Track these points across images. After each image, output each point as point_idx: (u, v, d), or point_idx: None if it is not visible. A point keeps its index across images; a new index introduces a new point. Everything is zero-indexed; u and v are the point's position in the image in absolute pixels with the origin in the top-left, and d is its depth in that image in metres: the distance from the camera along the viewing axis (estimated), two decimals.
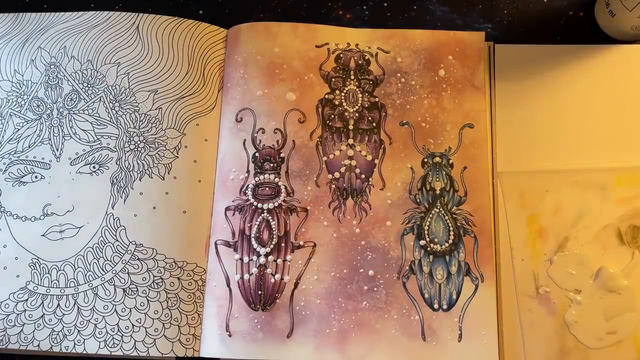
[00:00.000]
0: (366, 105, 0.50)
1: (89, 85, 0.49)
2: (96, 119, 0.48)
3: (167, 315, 0.45)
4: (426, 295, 0.47)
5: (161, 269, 0.46)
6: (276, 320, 0.45)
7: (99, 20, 0.51)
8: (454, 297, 0.47)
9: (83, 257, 0.45)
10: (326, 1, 0.54)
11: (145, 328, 0.45)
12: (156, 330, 0.45)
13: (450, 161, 0.49)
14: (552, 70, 0.49)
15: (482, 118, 0.50)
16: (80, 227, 0.46)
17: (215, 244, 0.47)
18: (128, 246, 0.46)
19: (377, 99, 0.51)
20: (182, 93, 0.50)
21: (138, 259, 0.46)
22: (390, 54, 0.51)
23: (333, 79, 0.51)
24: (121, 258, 0.45)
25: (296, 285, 0.46)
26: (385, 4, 0.53)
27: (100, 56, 0.50)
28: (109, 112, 0.48)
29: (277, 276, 0.46)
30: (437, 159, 0.49)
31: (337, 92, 0.51)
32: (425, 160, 0.49)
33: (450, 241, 0.48)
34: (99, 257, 0.45)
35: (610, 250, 0.46)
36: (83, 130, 0.48)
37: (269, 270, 0.46)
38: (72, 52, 0.50)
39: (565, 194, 0.47)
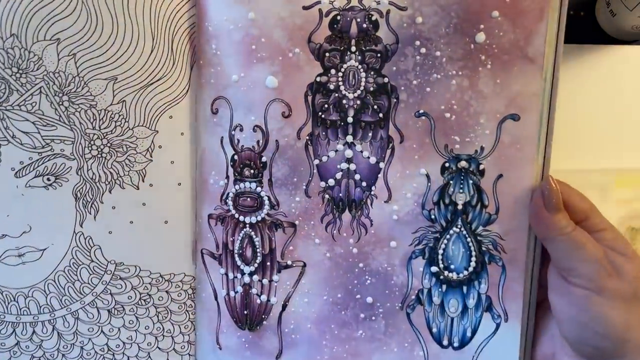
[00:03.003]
0: (371, 89, 0.38)
1: (20, 72, 0.39)
2: (40, 118, 0.40)
3: (159, 328, 0.43)
4: (434, 330, 0.40)
5: (147, 285, 0.43)
6: (264, 342, 0.42)
7: None
8: (469, 334, 0.39)
9: (54, 281, 0.42)
10: None
11: (138, 344, 0.43)
12: (149, 344, 0.43)
13: (481, 167, 0.37)
14: None
15: (533, 106, 0.36)
16: (44, 250, 0.41)
17: (202, 253, 0.42)
18: (107, 266, 0.42)
19: (386, 80, 0.38)
20: (148, 79, 0.40)
21: (120, 279, 0.43)
22: (408, 12, 0.37)
23: (327, 54, 0.38)
24: (100, 279, 0.42)
25: (284, 307, 0.41)
26: None
27: (29, 29, 0.38)
28: (56, 109, 0.40)
29: (263, 297, 0.41)
30: (463, 164, 0.38)
31: (333, 71, 0.38)
32: (447, 165, 0.38)
33: (471, 269, 0.38)
34: (73, 280, 0.42)
35: None
36: (24, 132, 0.40)
37: (254, 291, 0.41)
38: None
39: None
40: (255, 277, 0.41)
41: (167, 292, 0.43)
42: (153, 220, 0.42)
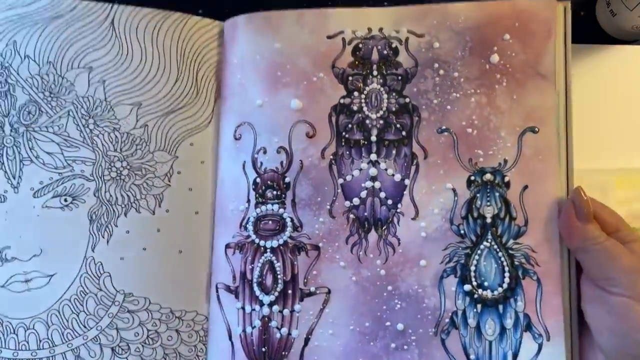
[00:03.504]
0: (393, 109, 0.39)
1: (52, 95, 0.40)
2: (65, 139, 0.40)
3: None
4: (472, 356, 0.37)
5: (156, 321, 0.39)
6: None
7: (62, 9, 0.41)
8: (510, 358, 0.36)
9: (58, 311, 0.39)
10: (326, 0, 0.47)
11: None
12: None
13: (506, 179, 0.38)
14: None
15: (550, 118, 0.38)
16: (52, 275, 0.39)
17: (217, 288, 0.40)
18: (115, 296, 0.39)
19: (407, 100, 0.39)
20: (171, 106, 0.41)
21: (128, 312, 0.39)
22: (425, 38, 0.39)
23: (350, 78, 0.40)
24: (107, 311, 0.39)
25: (307, 341, 0.38)
26: (385, 3, 0.46)
27: (65, 58, 0.41)
28: (81, 131, 0.40)
29: (284, 330, 0.38)
30: (489, 177, 0.38)
31: (356, 94, 0.40)
32: (473, 178, 0.38)
33: (505, 286, 0.37)
34: (78, 311, 0.39)
35: None
36: (48, 153, 0.40)
37: (273, 324, 0.38)
38: (26, 50, 0.40)
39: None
40: (275, 308, 0.38)
41: (177, 331, 0.40)
42: (167, 249, 0.40)
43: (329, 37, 0.40)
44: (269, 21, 0.41)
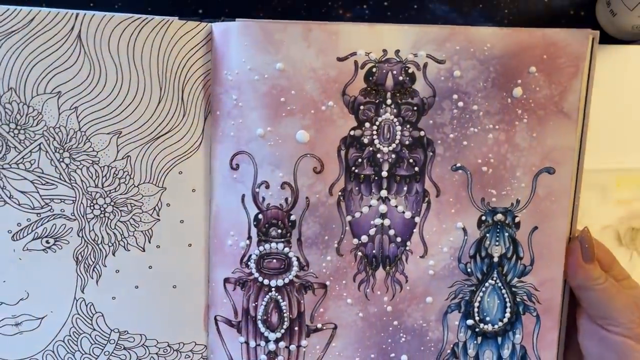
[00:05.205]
0: (407, 143, 0.37)
1: (18, 127, 0.35)
2: (39, 176, 0.35)
3: None
4: None
5: (154, 355, 0.38)
6: None
7: (17, 23, 0.34)
8: None
9: (53, 352, 0.37)
10: (326, 0, 0.43)
11: None
12: None
13: (517, 219, 0.37)
14: None
15: (568, 159, 0.37)
16: (43, 318, 0.37)
17: (216, 320, 0.39)
18: (110, 335, 0.38)
19: (422, 133, 0.36)
20: (155, 131, 0.36)
21: (124, 349, 0.38)
22: (446, 65, 0.36)
23: (362, 107, 0.36)
24: (103, 349, 0.38)
25: None
26: (386, 3, 0.43)
27: (28, 82, 0.34)
28: (56, 166, 0.35)
29: None
30: (499, 217, 0.37)
31: (367, 125, 0.36)
32: (484, 218, 0.37)
33: (506, 320, 0.38)
34: (74, 350, 0.37)
35: None
36: (22, 192, 0.35)
37: (280, 359, 0.38)
38: None
39: None
40: (282, 344, 0.38)
41: None
42: (160, 285, 0.38)
43: (339, 60, 0.35)
44: (268, 35, 0.35)
